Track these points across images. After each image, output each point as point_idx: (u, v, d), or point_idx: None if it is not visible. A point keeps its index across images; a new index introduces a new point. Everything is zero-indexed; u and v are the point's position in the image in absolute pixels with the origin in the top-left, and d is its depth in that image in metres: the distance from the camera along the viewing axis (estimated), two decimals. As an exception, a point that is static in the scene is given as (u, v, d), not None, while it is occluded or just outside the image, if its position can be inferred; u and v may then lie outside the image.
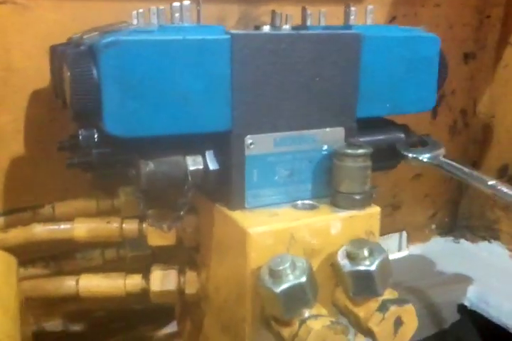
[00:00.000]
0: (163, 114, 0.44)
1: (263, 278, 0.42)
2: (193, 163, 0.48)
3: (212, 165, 0.49)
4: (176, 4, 0.47)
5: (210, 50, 0.44)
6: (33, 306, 0.63)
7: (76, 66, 0.41)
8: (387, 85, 0.53)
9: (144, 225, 0.57)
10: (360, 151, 0.48)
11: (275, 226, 0.46)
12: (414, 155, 0.60)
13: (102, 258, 0.65)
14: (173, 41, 0.42)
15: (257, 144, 0.48)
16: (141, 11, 0.52)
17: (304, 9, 0.62)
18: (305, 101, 0.49)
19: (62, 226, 0.57)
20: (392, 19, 0.87)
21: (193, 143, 0.49)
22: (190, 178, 0.48)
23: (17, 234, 0.57)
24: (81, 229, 0.57)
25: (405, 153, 0.62)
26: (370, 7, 0.56)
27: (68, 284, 0.58)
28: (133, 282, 0.59)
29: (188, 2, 0.45)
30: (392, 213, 1.01)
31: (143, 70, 0.42)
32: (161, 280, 0.58)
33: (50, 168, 0.67)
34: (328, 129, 0.51)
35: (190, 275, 0.58)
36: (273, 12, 0.68)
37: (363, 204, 0.50)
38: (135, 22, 0.53)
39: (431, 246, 1.06)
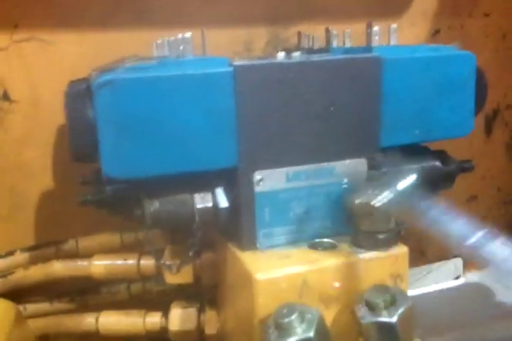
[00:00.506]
0: (164, 153, 0.42)
1: (267, 330, 0.39)
2: (202, 201, 0.46)
3: (222, 203, 0.46)
4: (181, 36, 0.45)
5: (212, 84, 0.41)
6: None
7: (73, 106, 0.40)
8: (414, 111, 0.48)
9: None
10: (381, 186, 0.44)
11: (285, 271, 0.42)
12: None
13: (128, 293, 0.64)
14: (171, 77, 0.40)
15: (267, 180, 0.45)
16: (159, 42, 0.51)
17: (327, 31, 0.58)
18: (319, 132, 0.45)
19: (80, 263, 0.56)
20: (436, 33, 0.81)
21: (203, 180, 0.46)
22: (197, 217, 0.45)
23: (37, 271, 0.57)
24: (99, 266, 0.56)
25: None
26: (393, 26, 0.51)
27: (89, 321, 0.57)
28: (152, 320, 0.57)
29: (189, 34, 0.43)
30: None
31: (140, 109, 0.40)
32: (180, 319, 0.56)
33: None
34: (348, 161, 0.47)
35: (210, 315, 0.55)
36: (299, 34, 0.66)
37: (387, 244, 0.45)
38: (155, 53, 0.52)
39: (489, 274, 0.97)
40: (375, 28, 0.52)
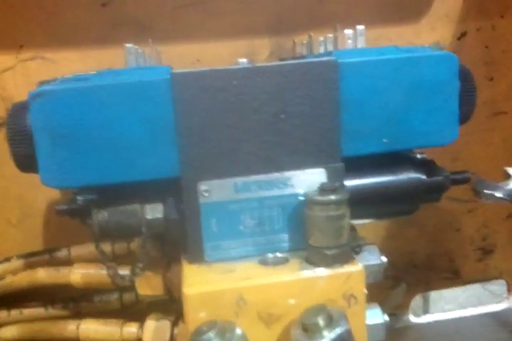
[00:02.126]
0: (102, 163, 0.41)
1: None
2: (152, 212, 0.45)
3: (172, 214, 0.45)
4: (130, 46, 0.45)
5: (147, 92, 0.41)
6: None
7: (12, 118, 0.41)
8: (380, 117, 0.44)
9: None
10: (332, 198, 0.41)
11: (220, 287, 0.40)
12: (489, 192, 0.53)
13: (120, 302, 0.64)
14: (103, 86, 0.40)
15: (213, 191, 0.43)
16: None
17: (309, 37, 0.56)
18: (270, 141, 0.43)
19: (61, 271, 0.58)
20: (462, 36, 0.75)
21: (155, 190, 0.46)
22: (144, 228, 0.45)
23: (23, 278, 0.59)
24: (76, 275, 0.56)
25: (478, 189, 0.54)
26: (360, 28, 0.48)
27: (70, 328, 0.58)
28: (129, 330, 0.57)
29: (131, 45, 0.43)
30: (482, 258, 0.85)
31: (74, 119, 0.40)
32: (154, 331, 0.55)
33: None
34: (303, 171, 0.44)
35: (182, 328, 0.54)
36: (293, 42, 0.64)
37: (336, 261, 0.41)
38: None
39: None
40: (348, 31, 0.49)
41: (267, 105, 0.42)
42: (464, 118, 0.47)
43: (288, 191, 0.44)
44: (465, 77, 0.46)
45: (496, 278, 0.86)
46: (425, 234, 0.81)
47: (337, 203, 0.41)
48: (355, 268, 0.42)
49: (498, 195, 0.61)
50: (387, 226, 0.79)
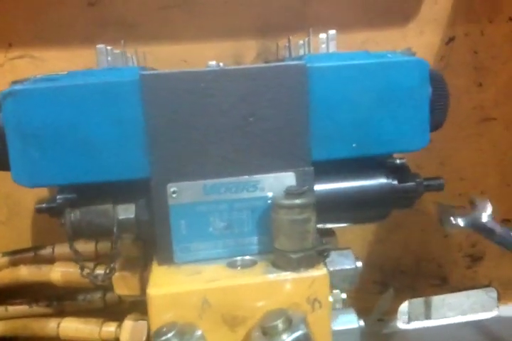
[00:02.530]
0: (72, 163, 0.42)
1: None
2: (124, 213, 0.46)
3: (144, 215, 0.45)
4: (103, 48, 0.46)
5: (117, 93, 0.41)
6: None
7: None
8: (350, 122, 0.44)
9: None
10: (297, 202, 0.41)
11: (184, 288, 0.40)
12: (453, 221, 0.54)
13: (103, 302, 0.65)
14: (73, 87, 0.41)
15: (182, 192, 0.44)
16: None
17: (289, 40, 0.56)
18: (239, 144, 0.44)
19: (43, 269, 0.58)
20: (450, 41, 0.75)
21: (129, 191, 0.46)
22: (115, 228, 0.45)
23: (5, 275, 0.60)
24: (56, 273, 0.57)
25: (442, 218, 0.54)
26: (331, 32, 0.48)
27: (51, 326, 0.59)
28: (108, 330, 0.57)
29: (102, 45, 0.44)
30: (471, 265, 0.85)
31: (44, 118, 0.41)
32: (132, 331, 0.55)
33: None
34: (273, 175, 0.44)
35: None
36: (277, 45, 0.64)
37: (301, 265, 0.41)
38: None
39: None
40: (322, 35, 0.49)
41: (236, 108, 0.43)
42: (436, 124, 0.47)
43: (257, 194, 0.45)
44: (437, 83, 0.46)
45: (485, 286, 0.86)
46: (413, 239, 0.80)
47: (302, 207, 0.41)
48: (320, 272, 0.42)
49: (462, 224, 0.61)
50: (374, 230, 0.79)
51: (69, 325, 0.58)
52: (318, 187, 0.46)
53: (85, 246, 0.63)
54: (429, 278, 0.83)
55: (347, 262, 0.50)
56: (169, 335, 0.36)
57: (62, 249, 0.63)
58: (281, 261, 0.42)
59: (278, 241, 0.42)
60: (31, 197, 0.71)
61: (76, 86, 0.41)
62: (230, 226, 0.45)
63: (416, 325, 0.84)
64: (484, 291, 0.87)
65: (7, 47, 0.66)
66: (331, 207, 0.47)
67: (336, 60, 0.44)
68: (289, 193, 0.42)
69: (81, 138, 0.42)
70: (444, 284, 0.84)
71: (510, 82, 0.76)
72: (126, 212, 0.46)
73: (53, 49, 0.67)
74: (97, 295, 0.65)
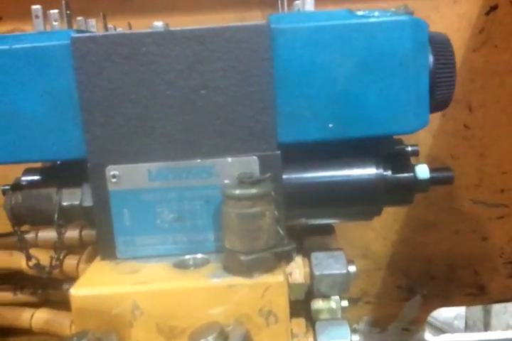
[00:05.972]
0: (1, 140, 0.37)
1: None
2: (68, 198, 0.40)
3: (87, 201, 0.40)
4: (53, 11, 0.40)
5: (44, 59, 0.36)
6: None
7: None
8: (325, 97, 0.36)
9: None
10: (246, 192, 0.33)
11: (110, 290, 0.34)
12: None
13: (87, 292, 0.61)
14: (-3, 52, 0.36)
15: (123, 177, 0.37)
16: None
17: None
18: (189, 121, 0.37)
19: (15, 255, 0.55)
20: (492, 9, 0.63)
21: (77, 173, 0.41)
22: (56, 215, 0.40)
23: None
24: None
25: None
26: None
27: (25, 317, 0.56)
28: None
29: (38, 6, 0.38)
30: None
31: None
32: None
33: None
34: (231, 159, 0.37)
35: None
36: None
37: (252, 269, 0.34)
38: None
39: None
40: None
41: (184, 78, 0.36)
42: (440, 102, 0.38)
43: (212, 181, 0.37)
44: (440, 49, 0.37)
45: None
46: (445, 241, 0.70)
47: (253, 198, 0.33)
48: (276, 279, 0.34)
49: None
50: (398, 229, 0.69)
51: (41, 317, 0.55)
52: (290, 175, 0.38)
53: (69, 233, 0.59)
54: (464, 286, 0.72)
55: (337, 266, 0.42)
56: (75, 345, 0.30)
57: (45, 234, 0.60)
58: (231, 264, 0.35)
59: (227, 239, 0.35)
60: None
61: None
62: (181, 219, 0.38)
63: (445, 338, 0.74)
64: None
65: (-2, 20, 0.63)
66: (306, 200, 0.39)
67: (308, 21, 0.36)
68: (241, 181, 0.34)
69: (8, 112, 0.36)
70: (482, 294, 0.73)
71: None
72: (71, 197, 0.40)
73: (45, 22, 0.63)
74: (82, 286, 0.61)
